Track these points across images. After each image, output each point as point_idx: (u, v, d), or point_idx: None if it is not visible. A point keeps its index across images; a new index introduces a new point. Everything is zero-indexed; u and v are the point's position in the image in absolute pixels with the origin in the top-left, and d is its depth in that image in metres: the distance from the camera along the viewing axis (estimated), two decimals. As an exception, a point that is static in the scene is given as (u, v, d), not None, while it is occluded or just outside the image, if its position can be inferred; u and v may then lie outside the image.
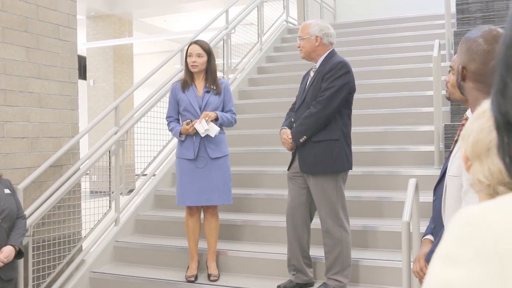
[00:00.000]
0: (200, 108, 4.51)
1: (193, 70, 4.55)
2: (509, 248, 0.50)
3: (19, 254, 3.64)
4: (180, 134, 4.51)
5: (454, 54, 6.32)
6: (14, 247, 3.54)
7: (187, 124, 4.44)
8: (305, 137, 4.02)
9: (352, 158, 4.14)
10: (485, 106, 1.28)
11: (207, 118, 4.39)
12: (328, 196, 4.00)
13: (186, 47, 4.68)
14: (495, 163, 1.22)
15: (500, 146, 0.61)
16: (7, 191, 3.64)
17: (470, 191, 1.46)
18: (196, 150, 4.49)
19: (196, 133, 4.43)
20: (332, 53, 4.18)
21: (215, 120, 4.46)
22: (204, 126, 4.37)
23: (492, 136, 1.22)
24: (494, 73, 0.62)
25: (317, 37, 4.15)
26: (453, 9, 7.29)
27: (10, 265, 3.55)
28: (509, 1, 7.04)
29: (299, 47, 4.25)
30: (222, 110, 4.60)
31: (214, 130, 4.43)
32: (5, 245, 3.50)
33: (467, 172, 1.32)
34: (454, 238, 0.55)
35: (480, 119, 1.28)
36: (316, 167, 4.01)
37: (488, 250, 0.51)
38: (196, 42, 4.60)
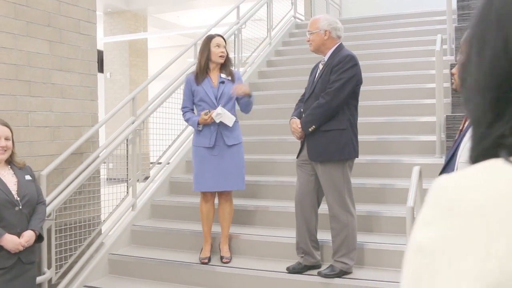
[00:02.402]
0: (216, 98, 4.53)
1: (221, 60, 4.59)
2: (473, 206, 0.53)
3: (39, 238, 3.64)
4: (198, 124, 4.53)
5: (455, 49, 6.29)
6: (35, 232, 3.55)
7: (205, 114, 4.44)
8: (314, 126, 4.02)
9: (358, 146, 4.14)
10: None
11: (240, 92, 4.51)
12: (335, 182, 4.01)
13: (204, 40, 4.65)
14: None
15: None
16: (28, 177, 3.65)
17: None
18: (213, 139, 4.51)
19: (214, 122, 4.46)
20: (340, 47, 4.17)
21: (248, 96, 4.55)
22: (218, 111, 4.41)
23: None
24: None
25: (326, 31, 4.14)
26: (454, 5, 7.26)
27: (31, 249, 3.55)
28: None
29: (308, 41, 4.24)
30: (237, 98, 4.63)
31: (231, 119, 4.47)
32: (26, 229, 3.52)
33: None
34: (427, 203, 0.58)
35: None
36: (324, 155, 4.02)
37: (454, 209, 0.54)
38: (219, 35, 4.65)
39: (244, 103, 4.64)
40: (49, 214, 4.24)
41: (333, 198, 4.02)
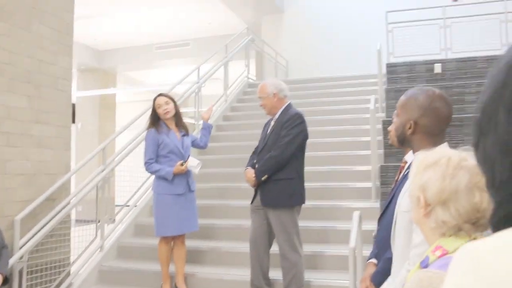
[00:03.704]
0: (183, 150, 4.50)
1: (166, 116, 4.48)
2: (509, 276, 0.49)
3: (5, 281, 3.46)
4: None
5: (386, 107, 6.47)
6: (2, 275, 3.38)
7: (181, 165, 4.38)
8: (266, 175, 4.03)
9: (305, 193, 4.16)
10: (436, 156, 1.26)
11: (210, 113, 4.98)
12: (285, 226, 3.99)
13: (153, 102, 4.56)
14: (463, 205, 1.20)
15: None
16: None
17: None
18: (185, 186, 4.45)
19: (187, 171, 4.42)
20: (290, 106, 4.23)
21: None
22: (195, 161, 4.40)
23: (455, 181, 1.21)
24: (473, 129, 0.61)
25: (274, 94, 4.18)
26: (384, 70, 7.53)
27: None
28: (427, 65, 7.31)
29: (261, 105, 4.26)
30: (192, 143, 4.72)
31: (199, 168, 4.45)
32: None
33: (426, 218, 1.27)
34: (460, 270, 0.54)
35: (434, 168, 1.24)
36: (275, 202, 4.01)
37: (492, 277, 0.50)
38: (160, 95, 4.58)
39: (208, 128, 4.87)
40: (22, 256, 4.05)
41: (283, 240, 4.00)
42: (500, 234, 0.54)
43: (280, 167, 4.01)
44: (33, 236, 4.20)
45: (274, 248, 4.20)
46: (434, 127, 1.87)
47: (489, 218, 0.59)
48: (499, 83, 0.58)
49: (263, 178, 4.04)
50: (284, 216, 4.00)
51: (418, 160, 1.33)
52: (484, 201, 1.19)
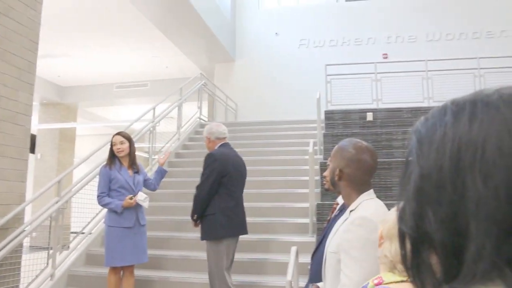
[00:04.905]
0: (134, 185, 4.37)
1: (119, 155, 4.39)
2: None
3: None
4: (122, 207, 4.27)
5: (323, 150, 6.55)
6: None
7: (130, 199, 4.25)
8: (196, 215, 4.02)
9: (233, 227, 4.03)
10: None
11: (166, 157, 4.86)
12: (212, 257, 3.96)
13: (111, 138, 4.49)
14: None
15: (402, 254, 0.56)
16: None
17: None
18: (133, 219, 4.30)
19: (136, 204, 4.28)
20: (221, 146, 4.24)
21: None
22: (143, 195, 4.30)
23: None
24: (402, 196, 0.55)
25: (206, 137, 4.28)
26: (322, 116, 7.69)
27: None
28: (360, 113, 7.53)
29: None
30: (144, 182, 4.57)
31: (147, 202, 4.33)
32: None
33: (379, 248, 1.35)
34: None
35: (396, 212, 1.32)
36: (202, 235, 4.02)
37: None
38: (118, 133, 4.48)
39: (161, 173, 4.75)
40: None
41: (210, 270, 3.96)
42: None
43: (202, 205, 3.99)
44: (-18, 266, 3.91)
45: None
46: (358, 177, 1.88)
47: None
48: (453, 151, 0.50)
49: (194, 217, 4.04)
50: (211, 248, 3.97)
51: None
52: None
